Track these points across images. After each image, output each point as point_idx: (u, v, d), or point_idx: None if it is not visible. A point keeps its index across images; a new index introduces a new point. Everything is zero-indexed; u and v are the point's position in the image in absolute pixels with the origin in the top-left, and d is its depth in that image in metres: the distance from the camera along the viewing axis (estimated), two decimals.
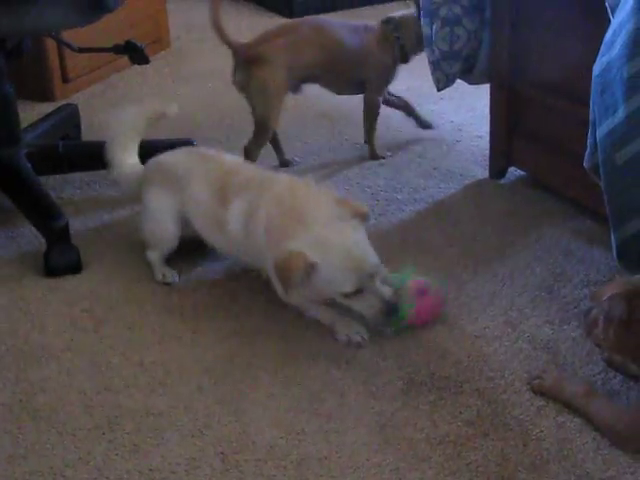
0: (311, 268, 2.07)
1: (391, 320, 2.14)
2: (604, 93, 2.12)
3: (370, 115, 3.18)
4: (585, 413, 1.92)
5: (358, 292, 2.10)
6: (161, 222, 2.49)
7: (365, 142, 3.23)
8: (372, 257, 2.12)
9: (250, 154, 2.97)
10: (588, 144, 2.24)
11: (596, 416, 1.90)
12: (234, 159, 2.58)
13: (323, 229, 2.13)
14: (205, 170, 2.46)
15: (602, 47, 2.15)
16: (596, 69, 2.15)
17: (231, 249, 2.44)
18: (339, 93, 3.23)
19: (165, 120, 2.78)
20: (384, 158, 3.18)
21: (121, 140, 2.65)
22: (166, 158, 2.56)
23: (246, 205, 2.31)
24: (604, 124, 2.11)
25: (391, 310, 2.11)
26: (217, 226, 2.40)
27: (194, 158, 2.53)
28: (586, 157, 2.25)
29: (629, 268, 2.19)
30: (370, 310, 2.12)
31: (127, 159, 2.65)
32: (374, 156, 3.19)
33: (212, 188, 2.41)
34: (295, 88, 3.10)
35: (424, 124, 3.35)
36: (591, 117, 2.21)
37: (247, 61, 2.96)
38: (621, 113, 2.05)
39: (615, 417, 1.87)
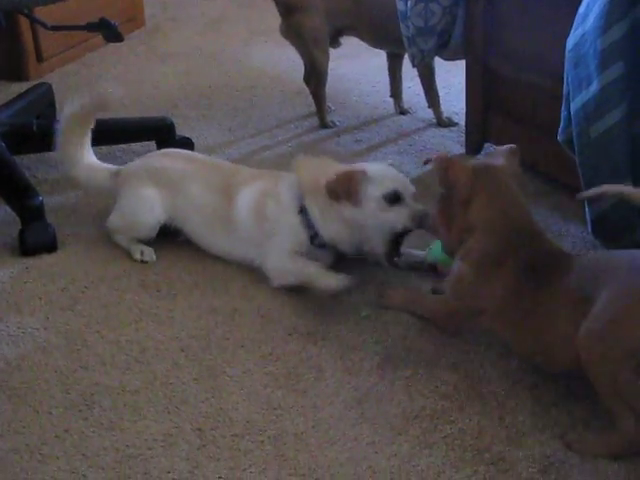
0: (363, 175, 2.26)
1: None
2: (578, 66, 2.12)
3: (422, 78, 3.21)
4: (420, 315, 2.16)
5: (396, 201, 2.26)
6: (144, 214, 2.48)
7: (428, 107, 3.28)
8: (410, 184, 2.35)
9: (317, 95, 3.23)
10: (562, 117, 2.25)
11: (426, 313, 2.14)
12: (225, 161, 2.68)
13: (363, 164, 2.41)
14: (203, 173, 2.49)
15: (576, 19, 2.15)
16: (570, 42, 2.16)
17: (233, 246, 2.43)
18: (375, 46, 3.29)
19: (141, 99, 2.76)
20: (454, 125, 3.24)
21: (72, 140, 2.59)
22: (155, 162, 2.56)
23: (256, 192, 2.40)
24: (578, 97, 2.12)
25: (423, 218, 2.23)
26: (220, 225, 2.43)
27: (184, 162, 2.55)
28: (560, 130, 2.26)
29: (604, 242, 2.21)
30: (404, 218, 2.25)
31: (84, 159, 2.61)
32: (441, 122, 3.25)
33: (214, 190, 2.45)
34: (333, 40, 3.22)
35: (402, 110, 3.34)
36: (565, 90, 2.22)
37: (286, 8, 3.12)
38: (595, 86, 2.05)
39: (434, 309, 2.11)
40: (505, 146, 2.05)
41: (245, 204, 2.40)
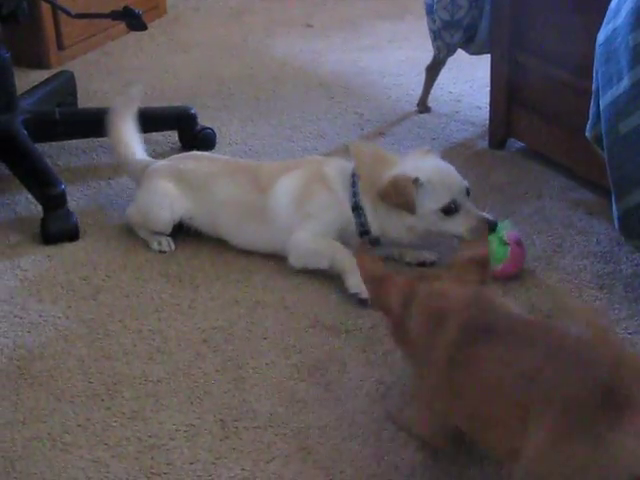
0: (415, 183, 2.23)
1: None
2: (608, 61, 2.10)
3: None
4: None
5: (455, 211, 2.25)
6: (160, 209, 2.46)
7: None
8: (460, 176, 2.31)
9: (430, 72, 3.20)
10: (590, 113, 2.23)
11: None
12: (248, 160, 2.71)
13: (413, 160, 2.33)
14: (229, 172, 2.49)
15: (607, 14, 2.13)
16: (601, 37, 2.14)
17: (270, 238, 2.40)
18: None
19: (162, 88, 2.76)
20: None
21: (125, 139, 2.66)
22: (179, 163, 2.54)
23: (298, 180, 2.37)
24: (608, 93, 2.10)
25: (489, 226, 2.22)
26: (254, 217, 2.40)
27: (208, 163, 2.54)
28: (588, 127, 2.24)
29: (631, 238, 2.19)
30: (467, 228, 2.24)
31: (130, 148, 2.66)
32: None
33: (241, 184, 2.44)
34: None
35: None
36: (594, 86, 2.20)
37: None
38: (626, 82, 2.03)
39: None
40: (478, 252, 1.76)
41: (285, 193, 2.38)
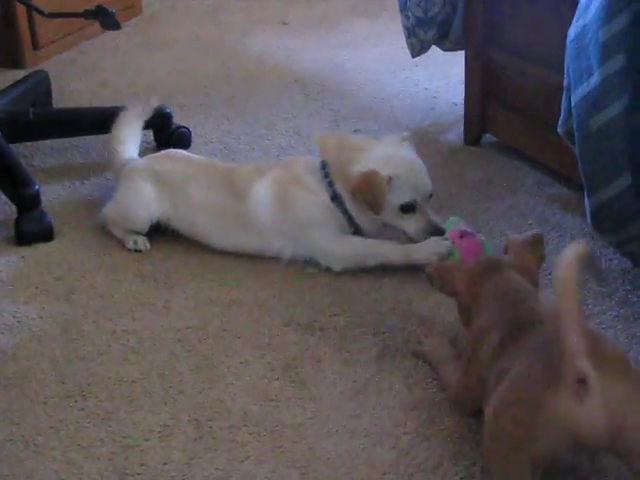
0: (389, 182, 2.24)
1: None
2: (579, 57, 2.10)
3: None
4: (439, 378, 1.95)
5: (412, 210, 2.27)
6: (137, 208, 2.47)
7: None
8: (429, 178, 2.32)
9: None
10: (562, 109, 2.23)
11: (442, 382, 1.94)
12: (221, 162, 2.69)
13: (387, 148, 2.33)
14: (203, 175, 2.48)
15: (577, 11, 2.14)
16: (571, 33, 2.14)
17: (249, 239, 2.40)
18: None
19: (138, 88, 2.75)
20: None
21: (123, 137, 2.69)
22: (157, 164, 2.54)
23: (273, 184, 2.38)
24: (579, 89, 2.10)
25: (437, 231, 2.27)
26: (233, 221, 2.40)
27: (185, 164, 2.53)
28: (560, 122, 2.25)
29: (603, 234, 2.19)
30: (416, 229, 2.28)
31: (124, 154, 2.66)
32: None
33: (218, 188, 2.44)
34: None
35: None
36: (565, 82, 2.20)
37: None
38: (596, 78, 2.04)
39: (447, 383, 1.91)
40: (529, 233, 1.95)
41: (263, 198, 2.38)
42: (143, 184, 2.48)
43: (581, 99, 2.09)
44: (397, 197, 2.26)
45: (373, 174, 2.24)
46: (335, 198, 2.34)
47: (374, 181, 2.23)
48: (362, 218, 2.34)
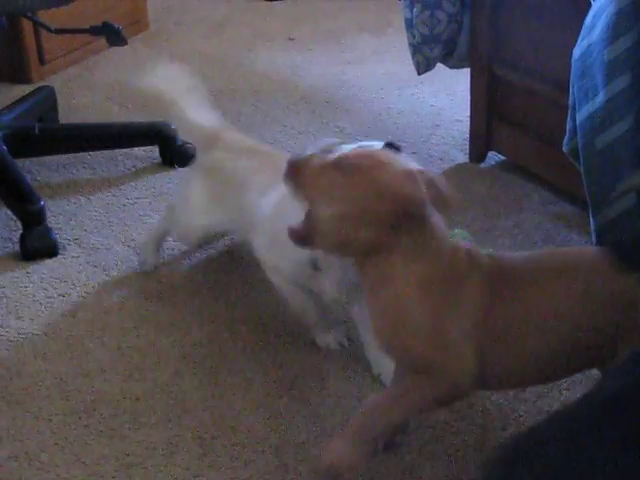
0: None
1: None
2: (584, 77, 2.11)
3: None
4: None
5: None
6: (198, 221, 2.29)
7: None
8: None
9: None
10: (567, 129, 2.23)
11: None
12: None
13: None
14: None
15: (582, 30, 2.14)
16: (576, 52, 2.14)
17: None
18: None
19: (142, 102, 2.75)
20: None
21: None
22: (223, 161, 2.28)
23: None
24: (584, 108, 2.10)
25: None
26: None
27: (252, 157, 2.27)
28: (565, 141, 2.25)
29: None
30: None
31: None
32: None
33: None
34: None
35: None
36: (570, 101, 2.20)
37: None
38: (601, 97, 2.04)
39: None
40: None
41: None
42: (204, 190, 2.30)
43: (586, 118, 2.10)
44: None
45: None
46: None
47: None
48: None
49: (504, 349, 1.60)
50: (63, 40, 3.71)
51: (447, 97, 3.42)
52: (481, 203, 2.72)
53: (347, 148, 1.71)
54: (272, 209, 2.05)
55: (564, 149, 2.25)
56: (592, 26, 2.09)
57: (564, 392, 1.95)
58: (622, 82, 2.02)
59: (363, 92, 3.55)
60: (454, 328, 1.57)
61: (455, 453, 1.81)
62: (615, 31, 2.01)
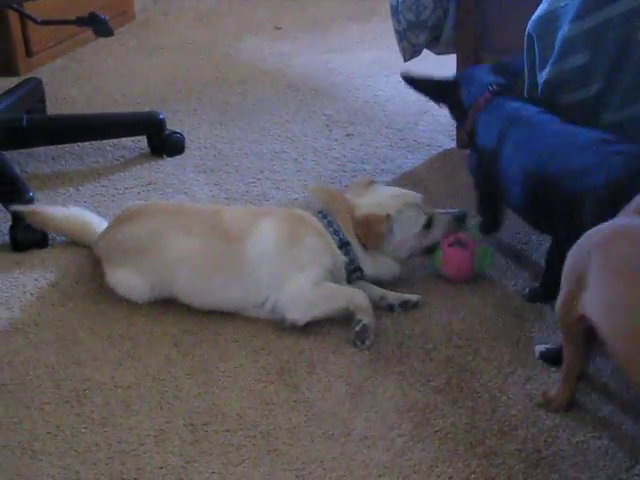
0: (388, 220, 2.23)
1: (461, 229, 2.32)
2: (542, 39, 2.21)
3: None
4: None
5: (429, 224, 2.28)
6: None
7: None
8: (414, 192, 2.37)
9: None
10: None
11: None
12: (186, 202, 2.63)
13: (367, 196, 2.31)
14: (180, 224, 2.27)
15: None
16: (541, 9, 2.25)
17: (243, 290, 2.20)
18: None
19: (132, 93, 2.75)
20: None
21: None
22: (116, 233, 2.34)
23: (279, 226, 2.22)
24: (545, 70, 2.22)
25: (462, 216, 2.33)
26: (226, 268, 2.20)
27: (155, 218, 2.33)
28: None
29: None
30: (445, 226, 2.30)
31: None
32: None
33: (202, 235, 2.24)
34: None
35: None
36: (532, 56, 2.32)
37: None
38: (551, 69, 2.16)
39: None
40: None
41: (267, 240, 2.21)
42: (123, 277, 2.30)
43: (545, 82, 2.20)
44: (414, 224, 2.26)
45: (371, 215, 2.24)
46: (342, 246, 2.23)
47: (372, 220, 2.23)
48: (368, 260, 2.26)
49: None
50: (50, 32, 3.71)
51: None
52: (468, 188, 2.72)
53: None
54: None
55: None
56: None
57: (553, 374, 1.96)
58: (580, 59, 2.12)
59: (350, 80, 3.56)
60: None
61: (445, 436, 1.82)
62: (582, 10, 2.09)
